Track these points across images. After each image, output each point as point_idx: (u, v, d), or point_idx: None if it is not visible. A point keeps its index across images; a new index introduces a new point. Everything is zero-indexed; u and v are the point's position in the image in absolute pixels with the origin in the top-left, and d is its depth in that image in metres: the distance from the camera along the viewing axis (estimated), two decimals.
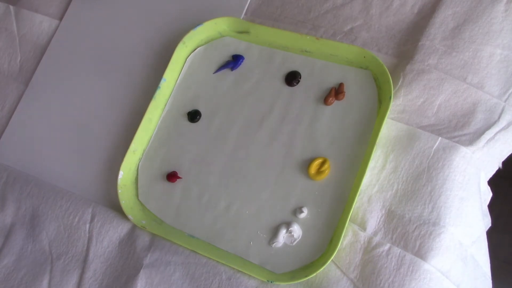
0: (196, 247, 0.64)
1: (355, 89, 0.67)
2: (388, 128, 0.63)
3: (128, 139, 0.71)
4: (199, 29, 0.73)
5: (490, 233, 0.65)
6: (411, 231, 0.58)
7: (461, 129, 0.62)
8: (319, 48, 0.69)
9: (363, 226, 0.60)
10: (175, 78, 0.74)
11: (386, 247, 0.58)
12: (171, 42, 0.75)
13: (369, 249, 0.59)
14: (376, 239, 0.59)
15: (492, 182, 0.64)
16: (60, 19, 0.85)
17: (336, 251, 0.58)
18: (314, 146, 0.66)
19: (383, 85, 0.65)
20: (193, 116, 0.71)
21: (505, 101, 0.62)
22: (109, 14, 0.83)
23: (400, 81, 0.65)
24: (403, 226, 0.59)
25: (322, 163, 0.64)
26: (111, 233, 0.68)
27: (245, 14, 0.76)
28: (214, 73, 0.73)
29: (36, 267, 0.69)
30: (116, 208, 0.69)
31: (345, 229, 0.59)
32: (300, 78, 0.69)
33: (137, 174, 0.71)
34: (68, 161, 0.76)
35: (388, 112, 0.62)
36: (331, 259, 0.58)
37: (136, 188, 0.70)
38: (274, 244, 0.63)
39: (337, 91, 0.67)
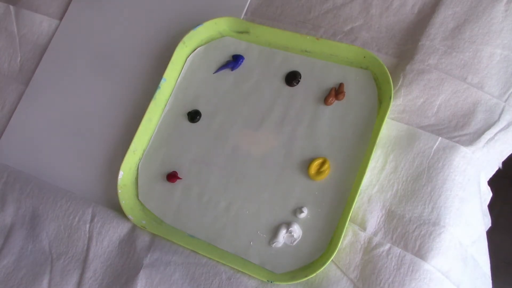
0: (196, 247, 0.64)
1: (355, 89, 0.67)
2: (388, 128, 0.63)
3: (128, 139, 0.71)
4: (199, 29, 0.73)
5: (490, 233, 0.65)
6: (411, 231, 0.58)
7: (461, 129, 0.62)
8: (319, 48, 0.69)
9: (363, 226, 0.60)
10: (175, 78, 0.74)
11: (386, 247, 0.58)
12: (171, 42, 0.75)
13: (369, 249, 0.59)
14: (376, 239, 0.59)
15: (492, 182, 0.64)
16: (60, 19, 0.85)
17: (336, 251, 0.58)
18: (314, 146, 0.66)
19: (383, 85, 0.65)
20: (193, 116, 0.71)
21: (505, 101, 0.62)
22: (109, 14, 0.83)
23: (400, 81, 0.65)
24: (403, 226, 0.59)
25: (322, 163, 0.64)
26: (111, 233, 0.68)
27: (245, 14, 0.76)
28: (214, 73, 0.73)
29: (36, 267, 0.69)
30: (116, 208, 0.69)
31: (345, 229, 0.59)
32: (300, 78, 0.69)
33: (137, 174, 0.71)
34: (68, 161, 0.76)
35: (388, 112, 0.62)
36: (331, 259, 0.58)
37: (136, 188, 0.70)
38: (274, 244, 0.63)
39: (337, 91, 0.67)
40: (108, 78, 0.78)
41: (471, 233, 0.59)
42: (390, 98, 0.63)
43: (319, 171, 0.64)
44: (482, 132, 0.61)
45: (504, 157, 0.64)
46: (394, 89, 0.64)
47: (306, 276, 0.59)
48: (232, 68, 0.72)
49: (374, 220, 0.60)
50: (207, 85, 0.73)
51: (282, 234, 0.62)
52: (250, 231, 0.64)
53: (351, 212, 0.59)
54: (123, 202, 0.68)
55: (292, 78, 0.69)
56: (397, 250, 0.58)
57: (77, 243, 0.69)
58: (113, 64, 0.79)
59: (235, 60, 0.72)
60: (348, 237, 0.60)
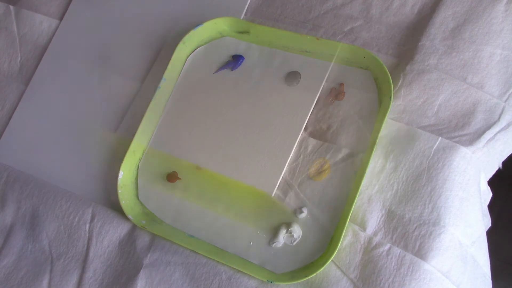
0: (196, 247, 0.64)
1: (355, 89, 0.67)
2: (388, 128, 0.63)
3: (128, 139, 0.71)
4: (199, 29, 0.73)
5: (490, 233, 0.65)
6: (411, 231, 0.58)
7: (461, 129, 0.62)
8: (319, 48, 0.69)
9: (363, 226, 0.60)
10: (175, 78, 0.74)
11: (386, 247, 0.58)
12: (171, 42, 0.75)
13: (369, 249, 0.59)
14: (376, 239, 0.59)
15: (492, 182, 0.64)
16: (60, 19, 0.85)
17: (336, 251, 0.58)
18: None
19: (383, 85, 0.65)
20: (194, 115, 0.71)
21: (505, 101, 0.62)
22: (109, 14, 0.83)
23: (400, 81, 0.65)
24: (403, 226, 0.59)
25: (322, 163, 0.64)
26: (111, 233, 0.68)
27: (245, 14, 0.76)
28: (214, 73, 0.73)
29: (36, 267, 0.69)
30: (116, 208, 0.69)
31: (345, 229, 0.59)
32: (300, 78, 0.69)
33: (137, 174, 0.71)
34: (68, 161, 0.76)
35: (388, 112, 0.62)
36: (331, 259, 0.59)
37: (136, 188, 0.70)
38: (274, 244, 0.63)
39: (337, 91, 0.67)
40: (108, 78, 0.78)
41: (471, 233, 0.59)
42: (390, 98, 0.63)
43: (319, 171, 0.64)
44: (482, 132, 0.61)
45: (504, 157, 0.64)
46: (394, 89, 0.64)
47: (306, 276, 0.59)
48: (232, 68, 0.72)
49: (374, 220, 0.60)
50: (207, 85, 0.73)
51: (282, 234, 0.62)
52: (250, 231, 0.64)
53: (351, 212, 0.59)
54: (123, 202, 0.68)
55: (292, 78, 0.69)
56: (397, 250, 0.58)
57: (77, 243, 0.69)
58: (113, 64, 0.79)
59: (235, 60, 0.72)
60: (348, 237, 0.60)
